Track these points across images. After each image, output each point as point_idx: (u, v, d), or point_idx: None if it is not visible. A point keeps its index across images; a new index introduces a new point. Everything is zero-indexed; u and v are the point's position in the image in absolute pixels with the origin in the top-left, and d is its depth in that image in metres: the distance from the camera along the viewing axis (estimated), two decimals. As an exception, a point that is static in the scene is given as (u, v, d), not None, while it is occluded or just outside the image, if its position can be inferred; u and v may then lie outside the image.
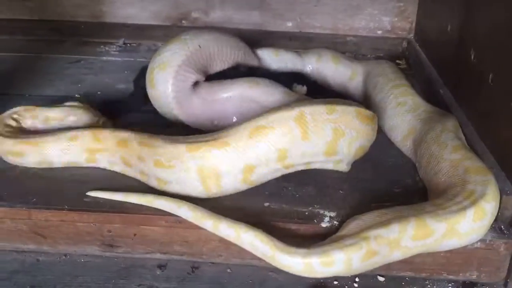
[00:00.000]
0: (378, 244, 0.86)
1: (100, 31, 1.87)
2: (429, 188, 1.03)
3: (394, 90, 1.24)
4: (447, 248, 0.91)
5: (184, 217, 0.95)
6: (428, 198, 1.01)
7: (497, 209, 0.93)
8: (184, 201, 0.96)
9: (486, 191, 0.91)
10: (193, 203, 0.96)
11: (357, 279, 1.01)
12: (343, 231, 0.91)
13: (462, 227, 0.88)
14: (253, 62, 1.38)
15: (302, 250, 0.87)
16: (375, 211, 0.93)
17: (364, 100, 1.34)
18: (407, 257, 0.90)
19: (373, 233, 0.86)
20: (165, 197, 0.98)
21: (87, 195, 1.02)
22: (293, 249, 0.87)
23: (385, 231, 0.86)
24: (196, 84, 1.24)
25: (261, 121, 1.00)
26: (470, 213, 0.88)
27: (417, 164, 1.11)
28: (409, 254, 0.90)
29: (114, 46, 1.79)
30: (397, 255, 0.89)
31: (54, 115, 1.20)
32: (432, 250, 0.91)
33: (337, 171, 1.10)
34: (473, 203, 0.89)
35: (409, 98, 1.21)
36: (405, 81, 1.28)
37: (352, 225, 0.91)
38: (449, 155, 1.01)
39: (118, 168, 1.09)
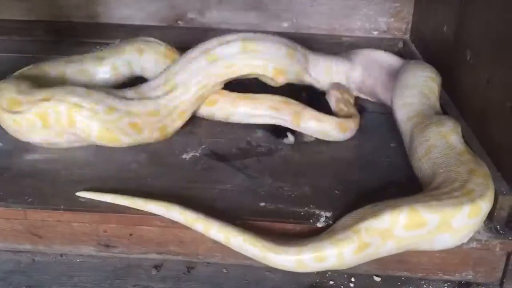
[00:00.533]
0: (370, 236, 0.86)
1: (96, 32, 1.87)
2: (420, 170, 1.05)
3: (428, 82, 1.24)
4: (439, 245, 0.90)
5: (175, 220, 0.96)
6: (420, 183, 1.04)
7: (488, 213, 0.93)
8: (175, 204, 0.96)
9: (485, 192, 0.91)
10: (186, 205, 0.96)
11: (353, 279, 1.02)
12: (335, 226, 0.92)
13: (456, 222, 0.88)
14: None
15: (292, 248, 0.87)
16: (368, 205, 0.93)
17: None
18: (402, 255, 0.91)
19: (364, 225, 0.87)
20: (156, 201, 0.98)
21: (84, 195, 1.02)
22: (283, 248, 0.88)
23: (376, 221, 0.87)
24: None
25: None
26: (467, 208, 0.88)
27: (412, 145, 1.10)
28: (402, 246, 0.90)
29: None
30: (390, 245, 0.89)
31: None
32: (425, 244, 0.90)
33: (334, 171, 1.11)
34: (471, 200, 0.89)
35: (433, 96, 1.21)
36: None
37: (343, 220, 0.92)
38: (458, 156, 1.01)
39: None
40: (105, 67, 1.38)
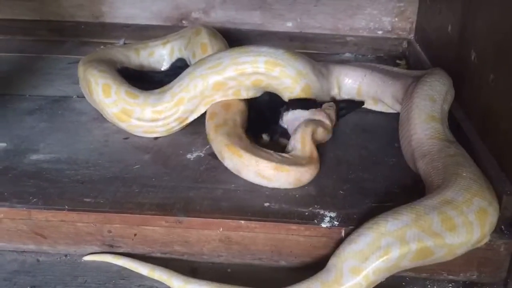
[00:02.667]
0: (377, 275, 0.87)
1: (100, 32, 1.87)
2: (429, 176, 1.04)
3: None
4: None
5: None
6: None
7: None
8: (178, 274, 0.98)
9: (494, 220, 0.92)
10: (189, 205, 0.97)
11: (357, 279, 1.01)
12: (340, 259, 0.89)
13: (460, 250, 0.90)
14: None
15: None
16: (372, 230, 0.89)
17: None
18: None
19: (371, 268, 0.86)
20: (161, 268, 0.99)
21: (88, 195, 1.02)
22: None
23: (385, 263, 0.86)
24: None
25: None
26: (474, 239, 0.89)
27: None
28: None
29: (115, 47, 1.79)
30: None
31: None
32: (423, 264, 0.92)
33: (338, 171, 1.10)
34: (483, 233, 0.90)
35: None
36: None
37: (347, 252, 0.89)
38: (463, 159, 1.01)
39: None
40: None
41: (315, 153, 1.11)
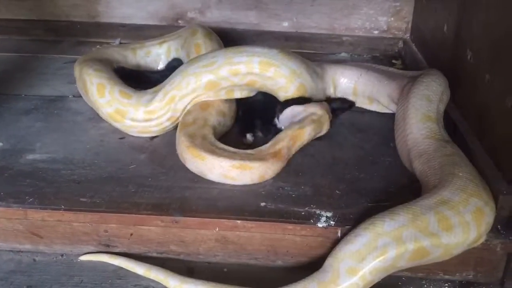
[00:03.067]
0: (374, 275, 0.87)
1: (96, 31, 1.86)
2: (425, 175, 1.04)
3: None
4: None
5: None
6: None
7: None
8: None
9: (491, 220, 0.92)
10: (186, 205, 0.97)
11: (353, 279, 1.01)
12: (336, 260, 0.89)
13: (456, 250, 0.90)
14: None
15: None
16: (368, 231, 0.89)
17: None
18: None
19: (368, 268, 0.86)
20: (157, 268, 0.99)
21: (84, 195, 1.02)
22: None
23: (382, 263, 0.86)
24: None
25: None
26: (471, 239, 0.89)
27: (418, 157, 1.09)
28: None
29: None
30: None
31: None
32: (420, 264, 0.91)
33: (334, 171, 1.10)
34: (479, 233, 0.90)
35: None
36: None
37: (343, 252, 0.89)
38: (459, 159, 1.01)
39: None
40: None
41: (284, 151, 1.11)
